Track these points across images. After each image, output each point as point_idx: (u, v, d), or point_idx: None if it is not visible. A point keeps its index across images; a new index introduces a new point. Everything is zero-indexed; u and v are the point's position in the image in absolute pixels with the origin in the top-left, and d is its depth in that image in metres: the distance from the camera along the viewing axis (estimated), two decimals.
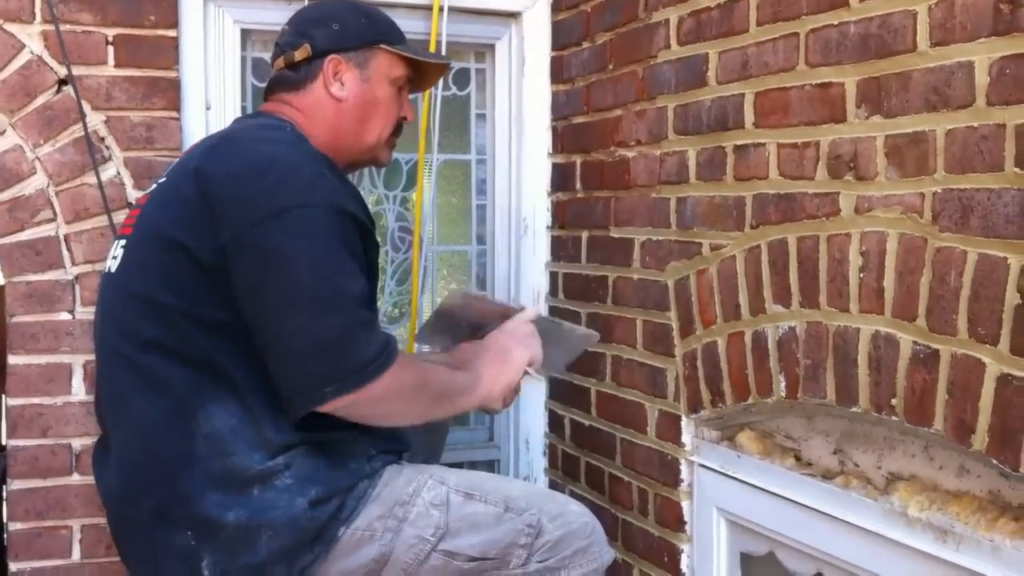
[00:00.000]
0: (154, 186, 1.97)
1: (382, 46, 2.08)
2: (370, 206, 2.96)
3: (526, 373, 2.08)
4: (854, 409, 1.79)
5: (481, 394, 2.00)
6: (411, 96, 2.24)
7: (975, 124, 1.56)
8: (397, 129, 2.15)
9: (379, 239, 2.90)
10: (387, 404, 1.81)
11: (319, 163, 1.89)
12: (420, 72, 2.18)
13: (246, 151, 1.87)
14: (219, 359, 1.80)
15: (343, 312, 1.74)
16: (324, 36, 2.06)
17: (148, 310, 1.82)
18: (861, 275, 1.77)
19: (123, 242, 1.93)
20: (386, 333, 1.80)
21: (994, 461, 1.53)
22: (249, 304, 1.76)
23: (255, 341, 1.77)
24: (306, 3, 2.68)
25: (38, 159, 2.46)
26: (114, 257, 1.93)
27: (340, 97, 2.04)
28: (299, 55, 2.04)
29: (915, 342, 1.66)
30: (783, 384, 1.97)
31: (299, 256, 1.73)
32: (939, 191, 1.62)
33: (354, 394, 1.73)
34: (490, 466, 3.10)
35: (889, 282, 1.71)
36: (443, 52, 2.87)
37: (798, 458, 2.08)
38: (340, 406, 1.74)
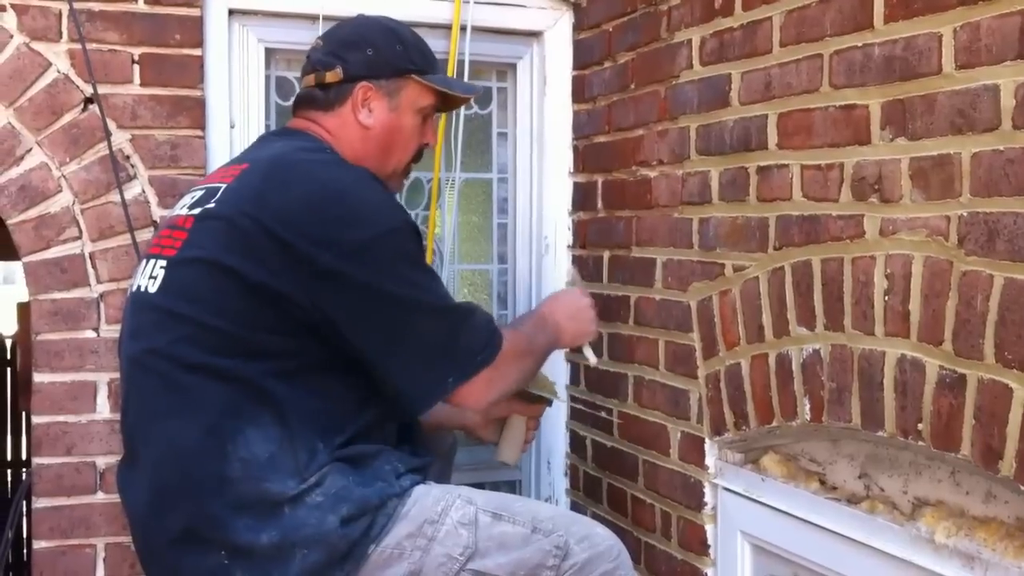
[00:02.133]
0: (198, 210, 1.93)
1: (413, 76, 2.11)
2: None
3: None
4: (880, 434, 1.78)
5: (563, 343, 2.32)
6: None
7: (1001, 147, 1.55)
8: (418, 155, 2.19)
9: None
10: (505, 381, 2.02)
11: (378, 182, 1.98)
12: (447, 98, 2.21)
13: (306, 177, 1.90)
14: (264, 382, 1.82)
15: (449, 311, 1.95)
16: (357, 61, 2.08)
17: (195, 332, 1.83)
18: (886, 298, 1.76)
19: (163, 263, 1.92)
20: (487, 315, 2.02)
21: (1021, 487, 1.51)
22: (354, 331, 1.87)
23: (363, 359, 1.89)
24: (319, 18, 2.70)
25: (64, 177, 2.48)
26: (152, 277, 1.92)
27: (367, 125, 2.07)
28: (330, 77, 2.07)
29: (941, 366, 1.64)
30: (808, 407, 1.95)
31: (397, 279, 1.87)
32: (965, 214, 1.61)
33: (473, 382, 1.93)
34: (512, 487, 3.09)
35: (915, 305, 1.70)
36: (465, 71, 2.89)
37: (823, 482, 2.06)
38: (460, 398, 1.95)
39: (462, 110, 2.95)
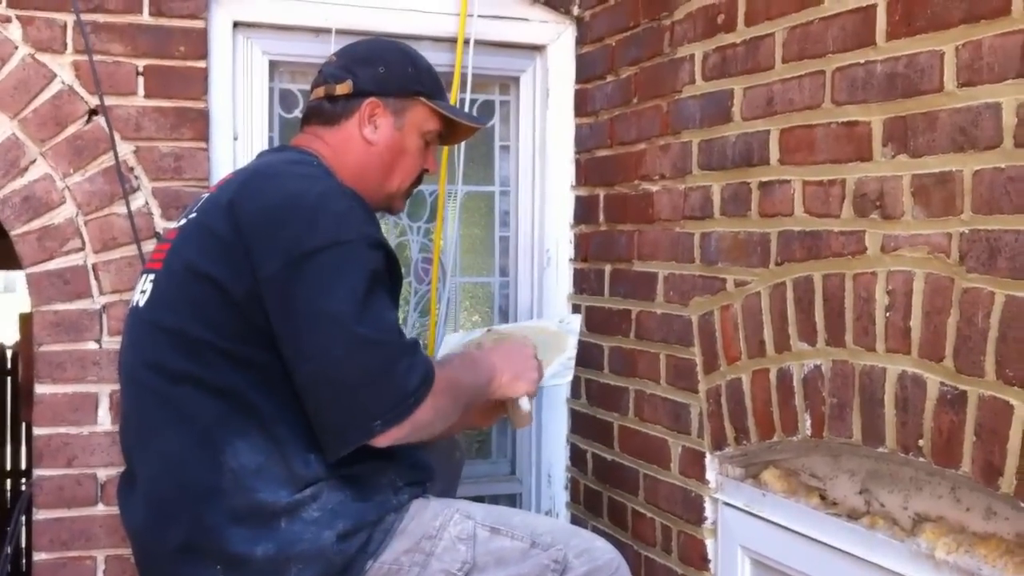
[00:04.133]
0: (183, 221, 1.98)
1: (421, 98, 2.12)
2: (394, 237, 2.99)
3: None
4: (880, 449, 1.78)
5: (498, 381, 2.07)
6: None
7: (1002, 165, 1.55)
8: (417, 180, 2.19)
9: (403, 270, 2.92)
10: (431, 427, 1.85)
11: (348, 196, 1.90)
12: (451, 128, 2.21)
13: (277, 187, 1.89)
14: (249, 393, 1.81)
15: (383, 344, 1.77)
16: (368, 77, 2.09)
17: (179, 343, 1.83)
18: (887, 314, 1.76)
19: (151, 276, 1.94)
20: (423, 355, 1.83)
21: (1022, 504, 1.52)
22: (287, 341, 1.77)
23: (294, 380, 1.78)
24: (322, 31, 2.71)
25: (68, 188, 2.49)
26: (142, 291, 1.95)
27: (371, 140, 2.08)
28: (340, 89, 2.08)
29: (942, 383, 1.65)
30: (809, 423, 1.96)
31: (335, 293, 1.75)
32: (966, 231, 1.61)
33: (403, 424, 1.76)
34: (512, 500, 3.09)
35: (916, 322, 1.70)
36: (468, 84, 2.90)
37: (823, 497, 2.06)
38: (389, 438, 1.77)
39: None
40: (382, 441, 1.77)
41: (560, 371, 2.32)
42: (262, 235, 1.80)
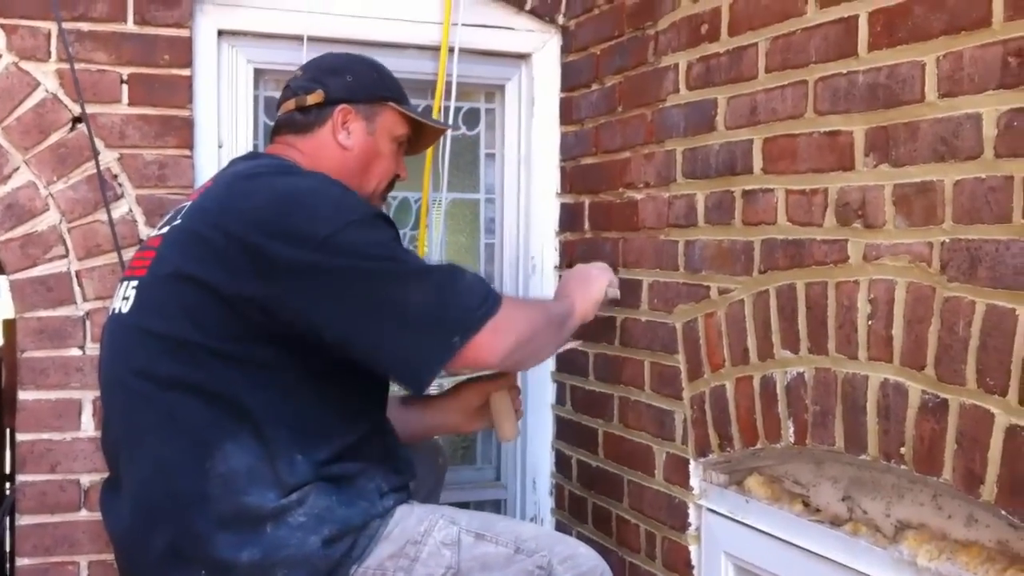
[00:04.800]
0: (166, 229, 1.98)
1: (390, 104, 2.19)
2: None
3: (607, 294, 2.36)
4: (863, 457, 1.79)
5: (579, 313, 2.21)
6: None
7: (983, 175, 1.57)
8: (389, 185, 2.25)
9: None
10: (512, 337, 1.88)
11: (338, 184, 1.96)
12: (418, 134, 2.29)
13: (266, 185, 1.91)
14: (240, 395, 1.82)
15: (433, 271, 1.88)
16: (337, 85, 2.15)
17: (168, 347, 1.84)
18: (870, 322, 1.78)
19: (134, 283, 1.94)
20: (478, 274, 1.92)
21: (1003, 512, 1.53)
22: (332, 323, 1.80)
23: (351, 355, 1.83)
24: (308, 43, 2.72)
25: (51, 196, 2.48)
26: (125, 298, 1.94)
27: (346, 146, 2.12)
28: (311, 99, 2.12)
29: (924, 391, 1.66)
30: (792, 430, 1.97)
31: (370, 258, 1.81)
32: (947, 241, 1.63)
33: (481, 334, 1.81)
34: (496, 506, 3.09)
35: (898, 330, 1.72)
36: (453, 93, 2.91)
37: (806, 504, 2.07)
38: (472, 354, 1.82)
39: (449, 130, 2.96)
40: (469, 356, 1.82)
41: None
42: (265, 230, 1.80)
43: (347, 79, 2.16)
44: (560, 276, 2.94)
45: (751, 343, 2.08)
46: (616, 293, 2.45)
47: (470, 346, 1.81)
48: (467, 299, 1.84)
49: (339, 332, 1.81)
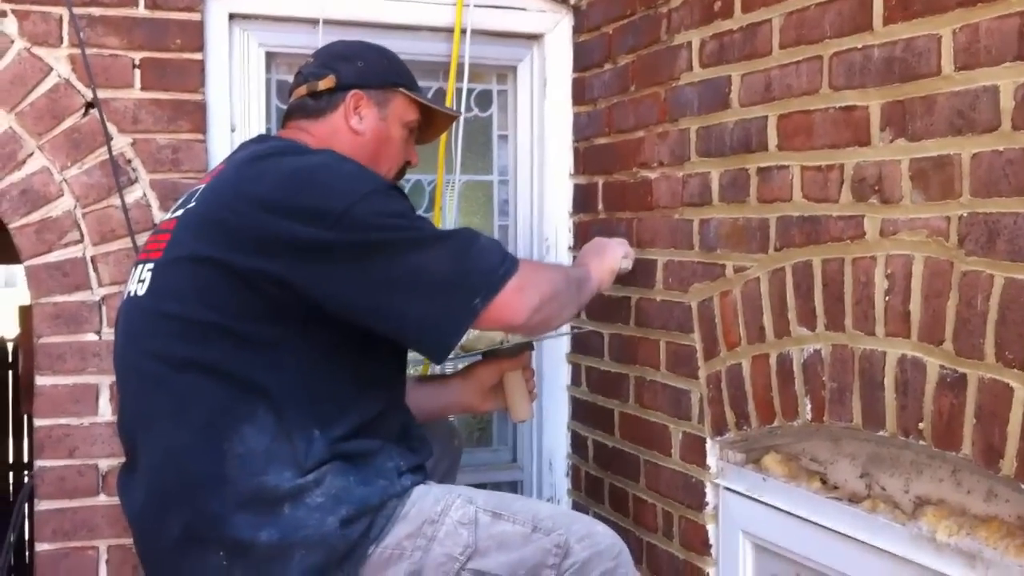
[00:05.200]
0: (180, 212, 1.99)
1: (401, 89, 2.20)
2: None
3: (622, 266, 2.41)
4: (881, 433, 1.79)
5: (595, 278, 2.28)
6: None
7: (1000, 148, 1.55)
8: (400, 172, 2.26)
9: None
10: (535, 295, 1.92)
11: (350, 160, 1.97)
12: (429, 121, 2.29)
13: (279, 165, 1.92)
14: (256, 374, 1.83)
15: (449, 237, 1.90)
16: (349, 71, 2.17)
17: (184, 329, 1.85)
18: (887, 298, 1.77)
19: (150, 266, 1.94)
20: (493, 238, 1.96)
21: (1022, 486, 1.52)
22: (357, 294, 1.82)
23: (375, 328, 1.85)
24: (319, 22, 2.71)
25: (65, 181, 2.49)
26: (140, 281, 1.95)
27: (358, 130, 2.14)
28: (323, 85, 2.14)
29: (942, 366, 1.65)
30: (809, 407, 1.96)
31: (386, 229, 1.83)
32: (965, 215, 1.62)
33: (502, 294, 1.85)
34: (513, 487, 3.10)
35: (915, 305, 1.71)
36: (465, 74, 2.90)
37: (824, 481, 2.07)
38: (496, 314, 1.86)
39: (463, 112, 2.95)
40: (492, 316, 1.86)
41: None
42: (280, 209, 1.82)
43: (359, 65, 2.18)
44: (575, 256, 2.93)
45: (767, 321, 2.08)
46: (629, 264, 2.47)
47: (492, 307, 1.85)
48: (485, 261, 1.87)
49: (363, 307, 1.83)
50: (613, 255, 2.37)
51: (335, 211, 1.80)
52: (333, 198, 1.82)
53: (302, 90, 2.17)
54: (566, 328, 2.49)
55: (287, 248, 1.80)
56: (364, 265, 1.81)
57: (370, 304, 1.83)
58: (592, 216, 2.88)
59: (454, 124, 2.91)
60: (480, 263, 1.87)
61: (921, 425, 1.70)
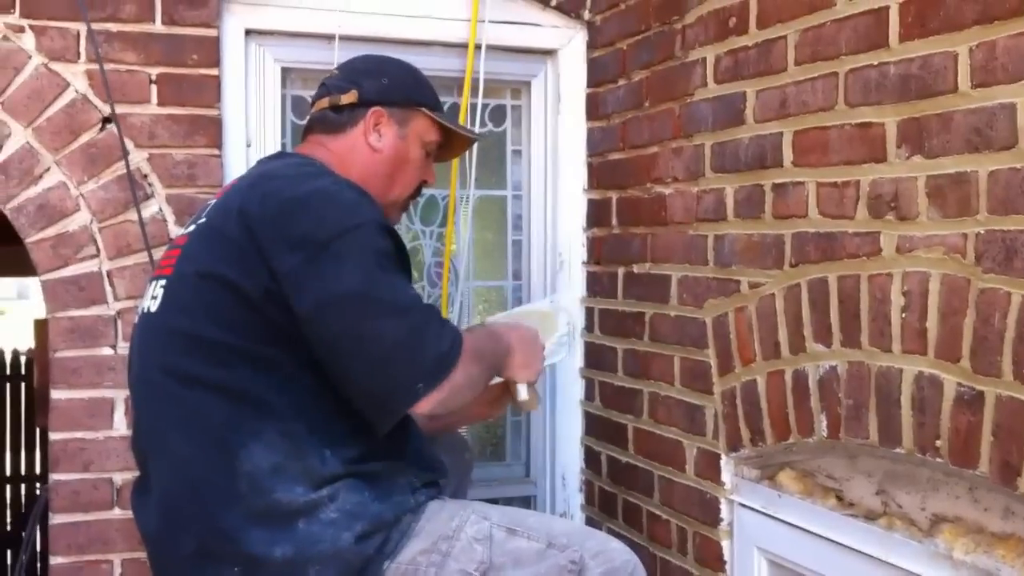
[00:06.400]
0: (192, 227, 1.99)
1: (423, 109, 2.18)
2: (407, 241, 2.99)
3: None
4: (897, 450, 1.78)
5: (514, 358, 2.07)
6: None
7: (1018, 166, 1.55)
8: (416, 191, 2.23)
9: (415, 274, 2.93)
10: (464, 391, 1.87)
11: (355, 189, 1.95)
12: (448, 141, 2.27)
13: (285, 186, 1.91)
14: (265, 393, 1.82)
15: (409, 310, 1.81)
16: (372, 87, 2.14)
17: (192, 346, 1.85)
18: (903, 315, 1.76)
19: (162, 282, 1.95)
20: (448, 321, 1.89)
21: None
22: (317, 334, 1.79)
23: (329, 370, 1.81)
24: (334, 38, 2.72)
25: (82, 196, 2.50)
26: (153, 297, 1.95)
27: (377, 148, 2.12)
28: (345, 99, 2.12)
29: (959, 383, 1.65)
30: (825, 424, 1.96)
31: (352, 275, 1.78)
32: (982, 232, 1.61)
33: (443, 386, 1.78)
34: (526, 502, 3.09)
35: (932, 322, 1.70)
36: (480, 89, 2.91)
37: (840, 498, 2.06)
38: (431, 402, 1.78)
39: (477, 127, 2.96)
40: (425, 406, 1.78)
41: (554, 350, 2.34)
42: (275, 233, 1.81)
43: (383, 82, 2.16)
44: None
45: (782, 337, 2.07)
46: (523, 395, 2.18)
47: (428, 398, 1.78)
48: (438, 345, 1.80)
49: (318, 343, 1.80)
50: (536, 365, 2.14)
51: (318, 241, 1.79)
52: (321, 228, 1.81)
53: (324, 102, 2.16)
54: (563, 353, 2.42)
55: (276, 273, 1.79)
56: (326, 305, 1.78)
57: (322, 345, 1.80)
58: (606, 231, 2.89)
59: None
60: (432, 347, 1.79)
61: (938, 443, 1.69)
